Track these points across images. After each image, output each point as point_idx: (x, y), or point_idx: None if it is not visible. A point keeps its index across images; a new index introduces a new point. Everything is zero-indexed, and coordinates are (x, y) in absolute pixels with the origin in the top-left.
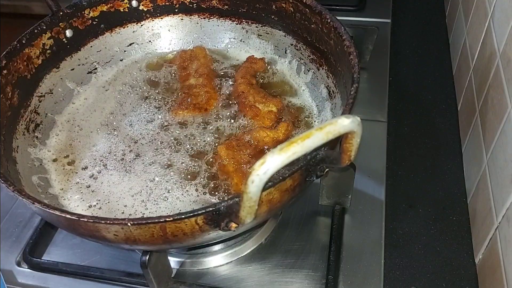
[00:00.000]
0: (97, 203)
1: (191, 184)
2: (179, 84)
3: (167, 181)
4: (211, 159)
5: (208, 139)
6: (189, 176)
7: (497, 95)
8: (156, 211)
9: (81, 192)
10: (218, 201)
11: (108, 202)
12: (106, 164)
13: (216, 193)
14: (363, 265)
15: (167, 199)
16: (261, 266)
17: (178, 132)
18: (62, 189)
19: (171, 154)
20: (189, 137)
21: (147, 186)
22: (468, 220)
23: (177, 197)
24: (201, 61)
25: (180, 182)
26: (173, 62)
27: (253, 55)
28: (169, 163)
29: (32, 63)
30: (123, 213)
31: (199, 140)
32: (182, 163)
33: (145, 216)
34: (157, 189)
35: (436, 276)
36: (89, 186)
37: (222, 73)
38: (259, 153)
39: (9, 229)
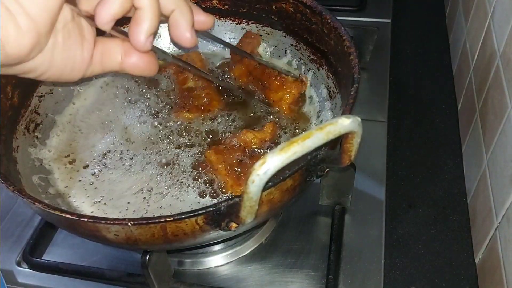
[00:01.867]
0: (101, 199)
1: (189, 183)
2: (178, 86)
3: (165, 181)
4: (204, 162)
5: (208, 139)
6: (187, 175)
7: (497, 95)
8: (158, 207)
9: (85, 189)
10: (218, 200)
11: (111, 199)
12: (106, 164)
13: (213, 192)
14: (363, 265)
15: (167, 196)
16: (261, 266)
17: (176, 132)
18: (67, 186)
19: (168, 154)
20: (187, 138)
21: (147, 184)
22: (468, 220)
23: (176, 196)
24: (198, 65)
25: (178, 181)
26: (168, 67)
27: (250, 31)
28: (167, 162)
29: None
30: (127, 209)
31: (196, 140)
32: (180, 162)
33: (148, 212)
34: (157, 187)
35: (436, 276)
36: (92, 183)
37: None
38: (249, 155)
39: (9, 229)
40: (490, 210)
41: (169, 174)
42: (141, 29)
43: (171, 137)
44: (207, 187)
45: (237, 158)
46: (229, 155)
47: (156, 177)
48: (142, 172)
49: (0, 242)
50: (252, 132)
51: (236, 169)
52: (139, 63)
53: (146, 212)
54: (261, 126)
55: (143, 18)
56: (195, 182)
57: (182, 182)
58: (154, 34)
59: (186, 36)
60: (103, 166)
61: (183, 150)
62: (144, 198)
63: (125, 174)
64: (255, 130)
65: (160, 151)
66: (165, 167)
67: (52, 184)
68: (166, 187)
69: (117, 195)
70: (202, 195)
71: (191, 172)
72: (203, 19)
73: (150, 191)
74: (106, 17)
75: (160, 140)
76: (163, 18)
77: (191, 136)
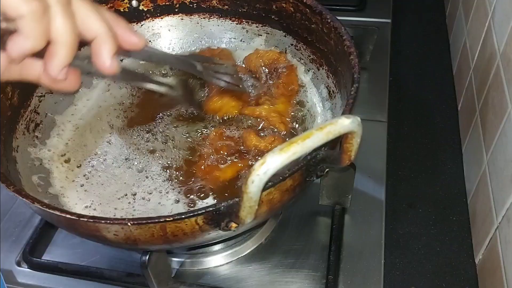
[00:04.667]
0: (91, 204)
1: (173, 187)
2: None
3: (149, 186)
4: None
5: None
6: (173, 179)
7: (497, 95)
8: (144, 211)
9: (76, 191)
10: (213, 202)
11: (100, 204)
12: (94, 165)
13: (190, 202)
14: (363, 265)
15: (150, 200)
16: (261, 266)
17: (168, 136)
18: (63, 186)
19: (150, 159)
20: (180, 141)
21: (131, 189)
22: (468, 220)
23: (158, 201)
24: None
25: (161, 186)
26: (201, 53)
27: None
28: (143, 168)
29: None
30: (114, 215)
31: (189, 143)
32: (172, 166)
33: (134, 216)
34: (141, 192)
35: (436, 276)
36: (83, 185)
37: None
38: (239, 152)
39: (9, 229)
40: (490, 210)
41: (154, 180)
42: (54, 63)
43: (166, 143)
44: (184, 195)
45: (228, 146)
46: (225, 141)
47: (141, 182)
48: (128, 177)
49: (0, 242)
50: (257, 137)
51: (218, 154)
52: (57, 79)
53: (133, 216)
54: (269, 133)
55: (54, 52)
56: (173, 187)
57: (160, 187)
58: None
59: (106, 65)
60: (92, 168)
61: (177, 157)
62: (129, 202)
63: (112, 178)
64: (261, 136)
65: (151, 155)
66: (143, 171)
67: (52, 183)
68: (148, 192)
69: (105, 200)
70: (177, 201)
71: (170, 176)
72: (133, 40)
73: (134, 196)
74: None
75: (155, 144)
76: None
77: (179, 142)
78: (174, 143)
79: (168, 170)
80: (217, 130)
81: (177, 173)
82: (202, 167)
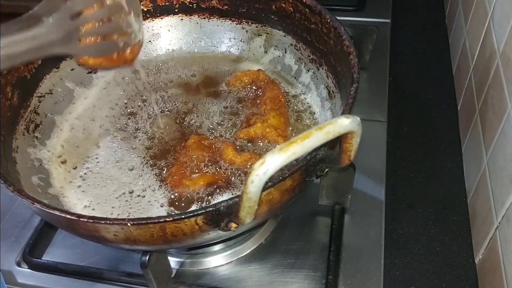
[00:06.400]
0: (90, 204)
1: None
2: None
3: (142, 185)
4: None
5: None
6: (155, 179)
7: (497, 95)
8: (138, 209)
9: (74, 191)
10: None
11: (98, 203)
12: (88, 167)
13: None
14: (363, 265)
15: (144, 197)
16: (261, 266)
17: (164, 137)
18: (62, 187)
19: (152, 159)
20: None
21: (127, 188)
22: (468, 220)
23: (147, 200)
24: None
25: (150, 185)
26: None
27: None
28: (136, 165)
29: (32, 63)
30: (112, 214)
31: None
32: (152, 166)
33: (131, 215)
34: (136, 190)
35: (436, 276)
36: (80, 186)
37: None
38: (211, 161)
39: (9, 229)
40: (490, 210)
41: (150, 179)
42: None
43: (162, 142)
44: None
45: (204, 156)
46: (202, 150)
47: (135, 181)
48: (123, 177)
49: (0, 242)
50: (234, 152)
51: (193, 162)
52: None
53: (129, 215)
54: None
55: None
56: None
57: (153, 185)
58: None
59: None
60: (87, 170)
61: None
62: (127, 201)
63: (107, 178)
64: (239, 152)
65: (144, 155)
66: (133, 169)
67: (52, 184)
68: (143, 190)
69: (102, 200)
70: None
71: (159, 176)
72: None
73: (131, 194)
74: None
75: (151, 144)
76: None
77: (170, 140)
78: (159, 139)
79: (155, 167)
80: (195, 137)
81: (164, 167)
82: (174, 176)
